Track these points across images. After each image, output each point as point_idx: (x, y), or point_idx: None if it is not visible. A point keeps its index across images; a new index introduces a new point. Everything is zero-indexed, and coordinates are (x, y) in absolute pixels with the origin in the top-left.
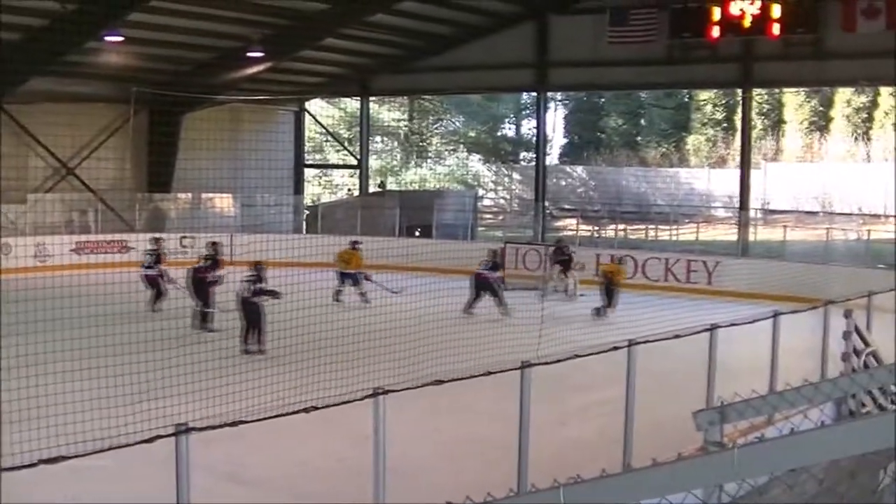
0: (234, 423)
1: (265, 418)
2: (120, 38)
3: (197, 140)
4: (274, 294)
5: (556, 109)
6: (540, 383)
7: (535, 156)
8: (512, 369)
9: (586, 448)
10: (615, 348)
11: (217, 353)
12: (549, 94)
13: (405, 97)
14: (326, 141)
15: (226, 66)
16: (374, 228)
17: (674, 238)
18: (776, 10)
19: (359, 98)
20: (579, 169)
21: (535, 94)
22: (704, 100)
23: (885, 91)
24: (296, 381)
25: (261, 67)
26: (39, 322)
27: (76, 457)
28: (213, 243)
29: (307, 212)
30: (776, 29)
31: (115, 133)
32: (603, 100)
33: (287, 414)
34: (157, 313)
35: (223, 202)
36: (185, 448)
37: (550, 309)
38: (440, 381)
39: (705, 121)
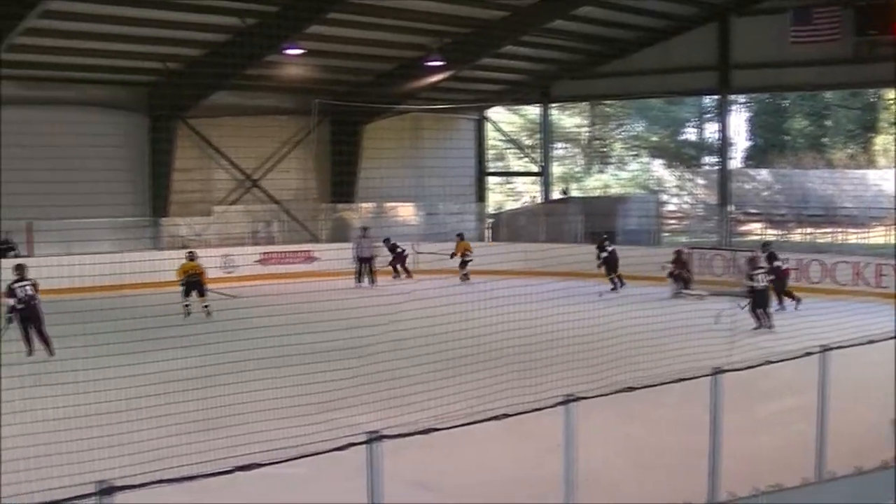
0: (426, 431)
1: (456, 426)
2: (300, 51)
3: (379, 150)
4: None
5: (739, 112)
6: (728, 390)
7: (718, 160)
8: (703, 376)
9: (777, 456)
10: (808, 354)
11: (407, 361)
12: (732, 96)
13: (586, 103)
14: (508, 148)
15: (406, 75)
16: (557, 235)
17: (863, 241)
18: None
19: (540, 105)
20: (764, 172)
21: (717, 96)
22: (893, 99)
23: None
24: (485, 388)
25: (441, 76)
26: (229, 332)
27: (270, 464)
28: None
29: (490, 219)
30: None
31: (298, 145)
32: (787, 101)
33: (478, 421)
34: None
35: (406, 211)
36: (377, 456)
37: (738, 314)
38: (631, 388)
39: (894, 120)
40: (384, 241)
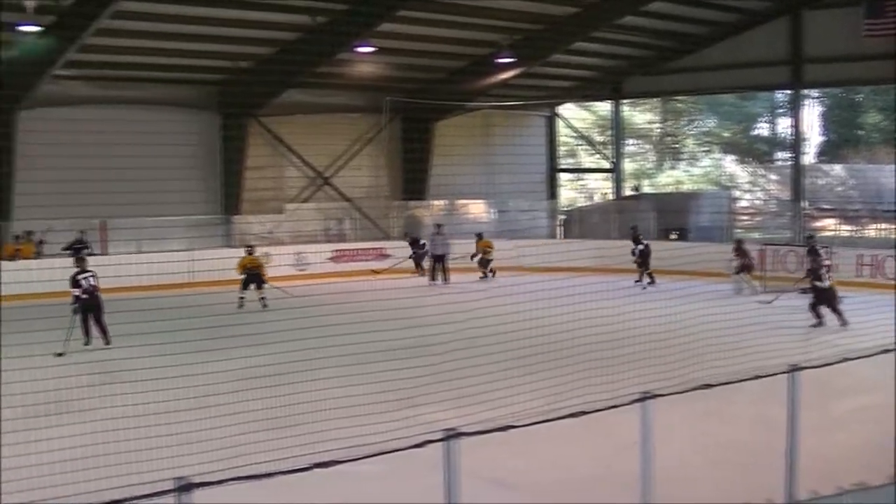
0: (503, 428)
1: (533, 423)
2: (371, 49)
3: (450, 147)
4: None
5: (811, 107)
6: (803, 387)
7: (791, 155)
8: (780, 373)
9: (856, 454)
10: (885, 351)
11: (484, 359)
12: (805, 91)
13: (657, 99)
14: (579, 145)
15: (477, 72)
16: (630, 232)
17: None
18: None
19: (611, 101)
20: (837, 167)
21: (789, 91)
22: None
23: None
24: (561, 385)
25: (511, 73)
26: (303, 329)
27: (348, 461)
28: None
29: (562, 216)
30: None
31: (370, 142)
32: (860, 96)
33: (555, 419)
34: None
35: (477, 208)
36: (454, 453)
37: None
38: (709, 385)
39: None
40: (404, 236)
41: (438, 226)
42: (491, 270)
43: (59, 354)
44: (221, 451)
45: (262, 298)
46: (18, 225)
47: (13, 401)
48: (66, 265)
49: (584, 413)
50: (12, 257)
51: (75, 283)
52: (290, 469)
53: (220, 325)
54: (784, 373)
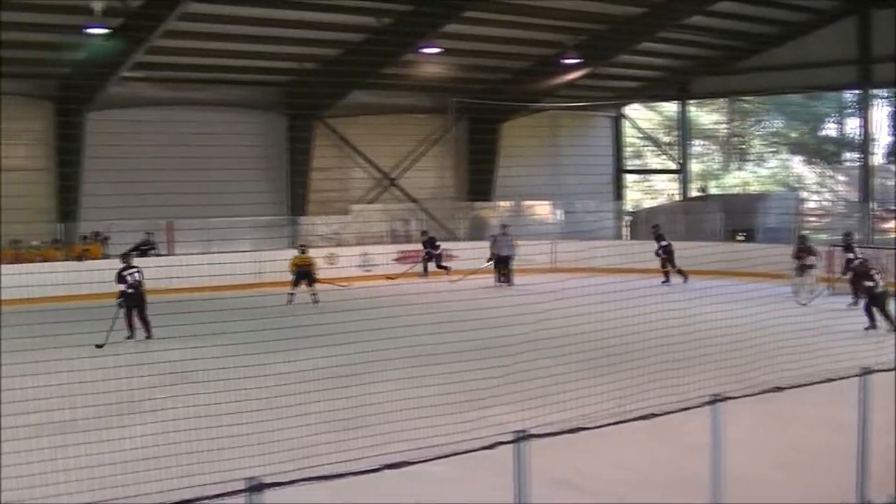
0: (573, 430)
1: (604, 425)
2: (437, 50)
3: (516, 148)
4: None
5: (880, 107)
6: (874, 391)
7: (859, 156)
8: (852, 376)
9: None
10: None
11: (551, 360)
12: (873, 90)
13: (724, 99)
14: (645, 146)
15: (543, 73)
16: (696, 233)
17: None
18: None
19: (678, 101)
20: None
21: (858, 91)
22: None
23: None
24: (630, 387)
25: (577, 73)
26: (370, 331)
27: (419, 462)
28: None
29: (628, 217)
30: None
31: (436, 143)
32: None
33: (626, 421)
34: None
35: (543, 209)
36: (524, 455)
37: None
38: (779, 388)
39: None
40: (421, 235)
41: (504, 226)
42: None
43: (100, 346)
44: (291, 452)
45: (314, 295)
46: (85, 226)
47: (86, 400)
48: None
49: (654, 415)
50: (80, 258)
51: (121, 278)
52: (362, 470)
53: (288, 327)
54: (856, 376)
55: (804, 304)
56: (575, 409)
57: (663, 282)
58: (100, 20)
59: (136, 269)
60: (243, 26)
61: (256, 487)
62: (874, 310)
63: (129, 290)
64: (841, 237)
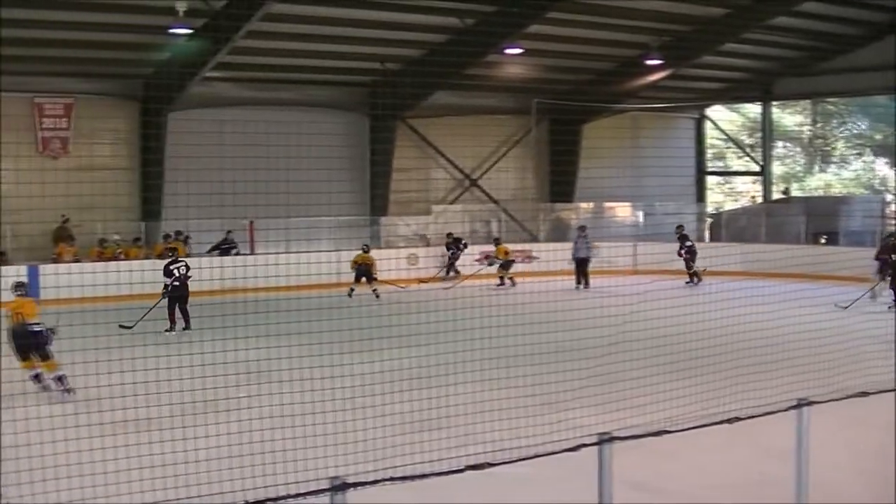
0: (657, 433)
1: (687, 428)
2: (520, 50)
3: (597, 149)
4: None
5: None
6: None
7: None
8: None
9: None
10: None
11: (631, 364)
12: None
13: (808, 101)
14: (728, 147)
15: (625, 74)
16: (778, 236)
17: None
18: None
19: (760, 103)
20: None
21: None
22: None
23: None
24: (712, 391)
25: (660, 75)
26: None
27: (502, 463)
28: None
29: (710, 220)
30: None
31: (517, 144)
32: None
33: (709, 424)
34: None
35: (624, 211)
36: (607, 457)
37: None
38: (865, 393)
39: None
40: (447, 236)
41: (581, 228)
42: (510, 278)
43: (127, 327)
44: (371, 452)
45: (374, 290)
46: (167, 225)
47: (162, 398)
48: (214, 265)
49: (738, 419)
50: (162, 256)
51: (168, 272)
52: (443, 471)
53: (367, 328)
54: None
55: (845, 308)
56: (655, 413)
57: (687, 283)
58: (183, 21)
59: (182, 264)
60: (325, 27)
61: (340, 487)
62: None
63: (175, 283)
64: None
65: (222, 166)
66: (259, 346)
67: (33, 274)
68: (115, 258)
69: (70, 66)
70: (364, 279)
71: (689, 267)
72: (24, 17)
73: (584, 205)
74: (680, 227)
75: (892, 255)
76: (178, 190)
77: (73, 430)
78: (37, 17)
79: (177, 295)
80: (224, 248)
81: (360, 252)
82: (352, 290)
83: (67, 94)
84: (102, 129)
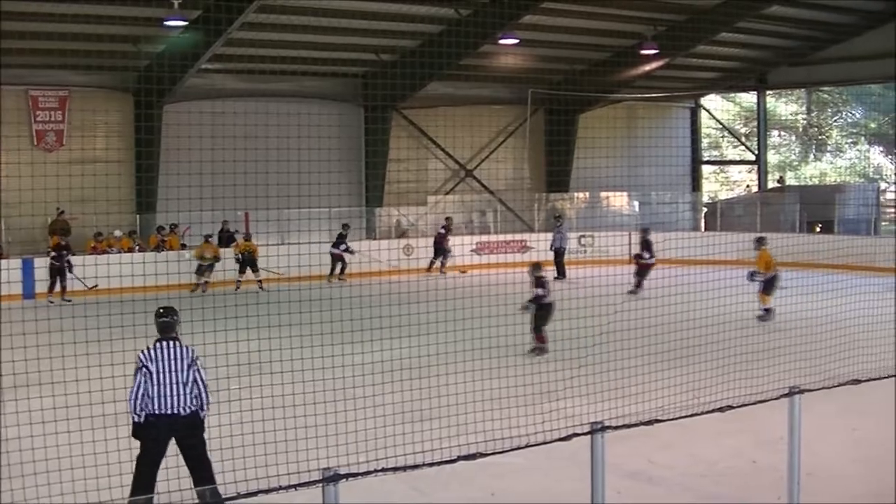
0: (649, 422)
1: (679, 417)
2: (515, 41)
3: (593, 139)
4: None
5: None
6: None
7: None
8: None
9: None
10: None
11: (624, 353)
12: None
13: (803, 89)
14: (723, 137)
15: (620, 63)
16: (773, 225)
17: None
18: None
19: (756, 92)
20: None
21: None
22: None
23: None
24: (705, 379)
25: (655, 64)
26: (443, 322)
27: (493, 454)
28: None
29: (705, 209)
30: None
31: (512, 134)
32: None
33: (701, 413)
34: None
35: (619, 200)
36: (600, 446)
37: None
38: (857, 381)
39: None
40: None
41: (557, 217)
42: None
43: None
44: (363, 443)
45: (259, 282)
46: (161, 217)
47: None
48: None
49: (730, 408)
50: (158, 248)
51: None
52: (436, 461)
53: (358, 318)
54: None
55: None
56: (649, 402)
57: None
58: (178, 12)
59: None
60: (321, 17)
61: (333, 478)
62: None
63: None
64: None
65: (217, 158)
66: (250, 338)
67: (28, 267)
68: (107, 252)
69: (64, 59)
70: (249, 269)
71: (641, 276)
72: (18, 10)
73: (579, 194)
74: (645, 230)
75: None
76: (171, 182)
77: (63, 423)
78: (31, 9)
79: None
80: (224, 238)
81: (242, 240)
82: (238, 283)
83: (62, 87)
84: (97, 122)
